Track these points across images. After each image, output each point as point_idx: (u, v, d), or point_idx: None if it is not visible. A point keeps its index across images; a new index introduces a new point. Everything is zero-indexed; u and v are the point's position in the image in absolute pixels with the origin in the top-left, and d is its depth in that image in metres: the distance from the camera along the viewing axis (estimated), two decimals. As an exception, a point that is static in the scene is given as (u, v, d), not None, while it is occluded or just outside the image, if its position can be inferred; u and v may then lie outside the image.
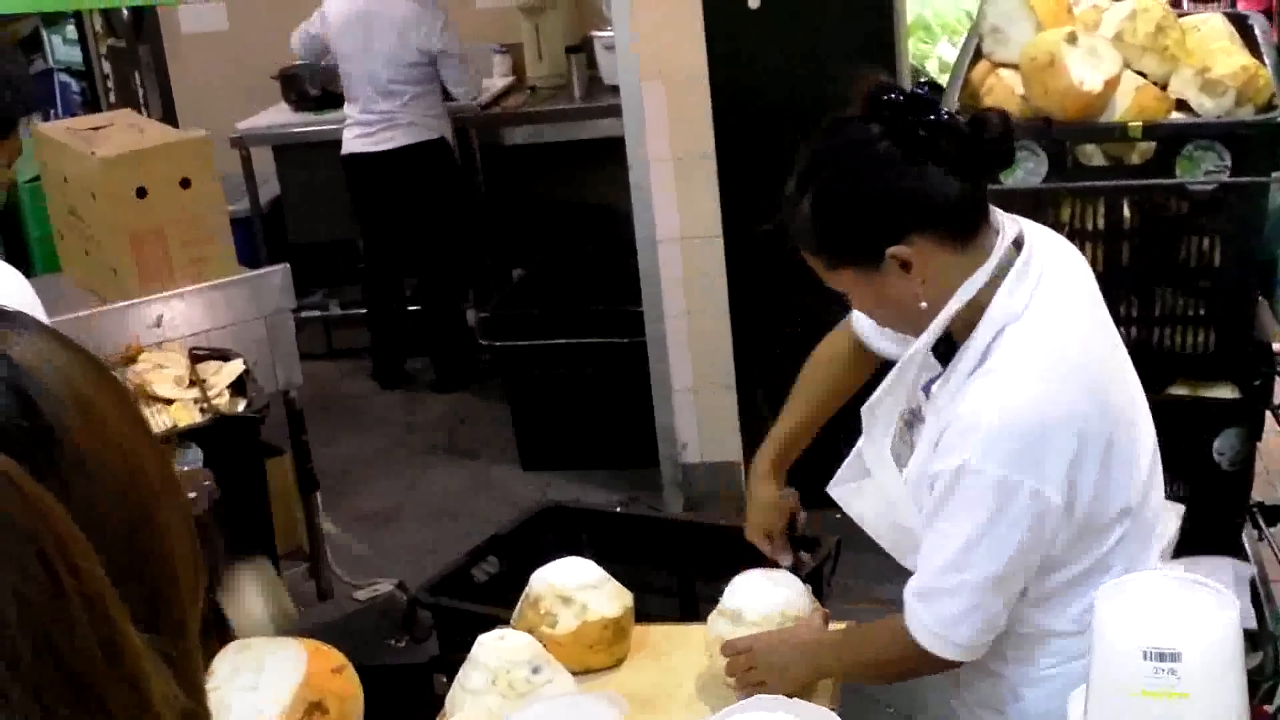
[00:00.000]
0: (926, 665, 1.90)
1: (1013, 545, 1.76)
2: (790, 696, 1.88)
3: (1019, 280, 1.78)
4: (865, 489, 2.05)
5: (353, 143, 5.53)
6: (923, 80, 4.21)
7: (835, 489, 2.11)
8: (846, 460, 2.09)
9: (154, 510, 0.69)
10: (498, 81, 6.20)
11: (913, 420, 1.94)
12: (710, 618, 2.17)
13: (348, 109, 5.56)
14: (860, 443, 2.02)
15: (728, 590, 2.18)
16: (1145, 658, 1.37)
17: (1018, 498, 1.72)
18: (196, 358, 3.41)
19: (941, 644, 1.84)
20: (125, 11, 6.24)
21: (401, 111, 5.45)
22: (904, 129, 1.74)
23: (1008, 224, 1.83)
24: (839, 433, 2.19)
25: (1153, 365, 3.13)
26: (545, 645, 2.10)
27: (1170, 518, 2.04)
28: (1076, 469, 1.74)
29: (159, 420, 3.09)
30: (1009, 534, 1.75)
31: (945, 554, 1.81)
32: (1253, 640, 2.64)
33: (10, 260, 2.24)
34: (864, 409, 1.97)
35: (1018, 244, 1.81)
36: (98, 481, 0.66)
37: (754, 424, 4.54)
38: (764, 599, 2.13)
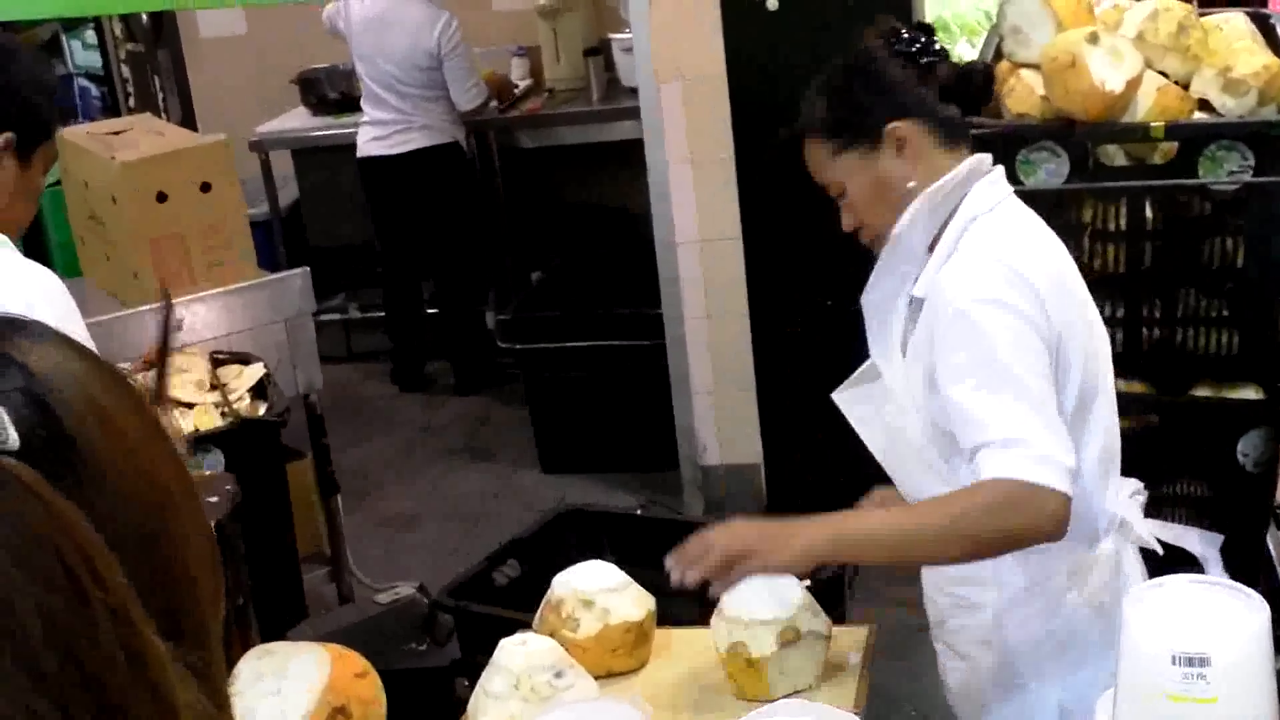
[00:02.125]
0: (1024, 519, 1.79)
1: (1038, 348, 1.86)
2: (785, 569, 1.88)
3: (991, 185, 2.02)
4: (871, 393, 2.11)
5: (367, 145, 5.54)
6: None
7: (839, 393, 2.16)
8: (854, 374, 2.16)
9: (173, 519, 0.69)
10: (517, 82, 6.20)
11: (913, 315, 2.04)
12: (712, 620, 2.16)
13: (363, 111, 5.57)
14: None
15: (726, 594, 2.17)
16: (1174, 662, 1.36)
17: (1019, 310, 1.86)
18: (217, 362, 3.42)
19: (1052, 469, 1.78)
20: (144, 16, 6.26)
21: (415, 115, 5.45)
22: (908, 54, 2.04)
23: (998, 166, 2.07)
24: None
25: (1176, 366, 3.12)
26: (567, 649, 2.10)
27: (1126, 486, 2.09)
28: (1048, 307, 1.89)
29: (180, 425, 3.09)
30: (1029, 342, 1.86)
31: (996, 397, 1.83)
32: None
33: (31, 264, 2.25)
34: (862, 298, 2.11)
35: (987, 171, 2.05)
36: (117, 491, 0.66)
37: (774, 426, 4.53)
38: (764, 603, 2.11)
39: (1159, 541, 2.08)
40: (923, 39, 2.06)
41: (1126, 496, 2.08)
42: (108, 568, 0.61)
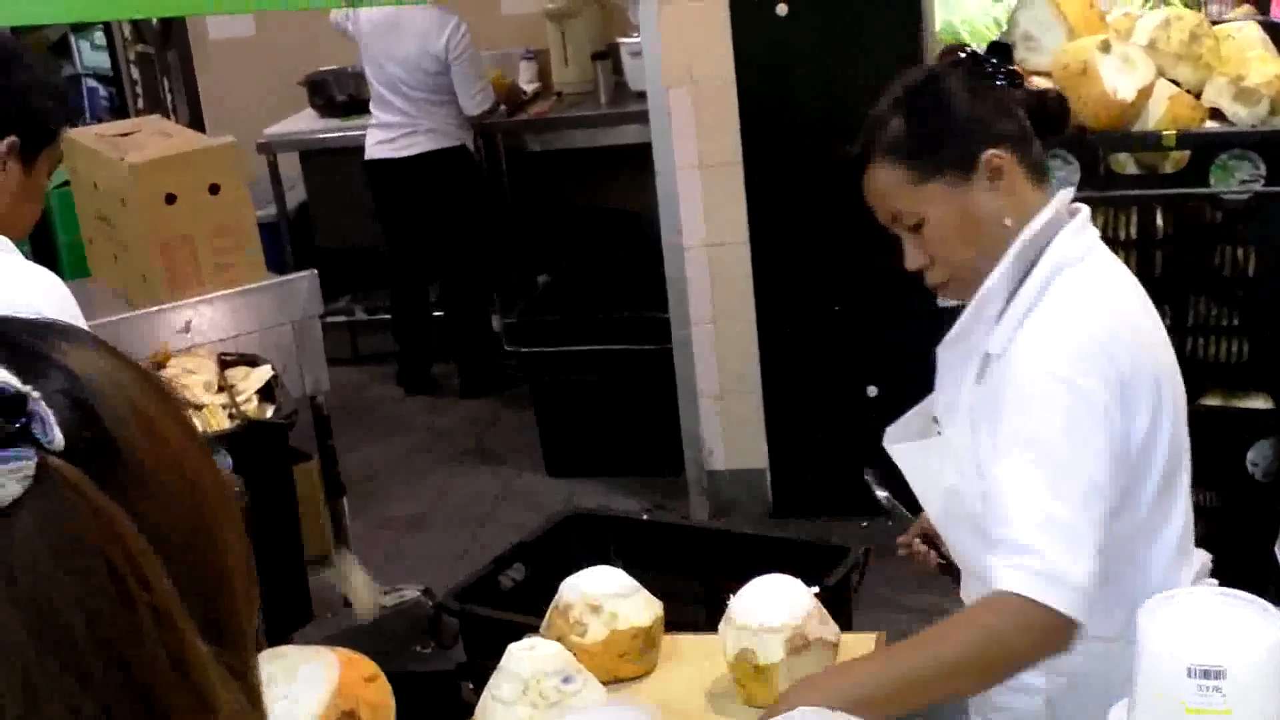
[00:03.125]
0: (1030, 641, 1.66)
1: (1097, 444, 1.70)
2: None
3: (1078, 232, 1.84)
4: (929, 448, 1.95)
5: (375, 148, 5.55)
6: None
7: (893, 445, 1.99)
8: (909, 413, 2.02)
9: (213, 523, 0.69)
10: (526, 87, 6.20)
11: (984, 369, 1.88)
12: (720, 626, 2.15)
13: (372, 114, 5.58)
14: (933, 394, 1.98)
15: (734, 599, 2.16)
16: (1189, 674, 1.35)
17: (1089, 397, 1.70)
18: (225, 363, 3.42)
19: (1058, 590, 1.63)
20: (153, 19, 6.26)
21: (422, 118, 5.45)
22: (991, 76, 1.86)
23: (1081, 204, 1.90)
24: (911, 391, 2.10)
25: (1186, 375, 3.10)
26: (575, 654, 2.09)
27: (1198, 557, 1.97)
28: (1129, 393, 1.74)
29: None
30: (1090, 432, 1.70)
31: (1032, 483, 1.69)
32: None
33: (40, 266, 2.24)
34: (939, 348, 1.94)
35: (1072, 211, 1.88)
36: (159, 495, 0.66)
37: (780, 431, 4.53)
38: (770, 607, 2.11)
39: None
40: (1001, 62, 1.88)
41: (1194, 573, 1.94)
42: (152, 570, 0.61)
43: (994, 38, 4.49)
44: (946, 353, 1.94)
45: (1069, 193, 1.88)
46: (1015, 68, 1.89)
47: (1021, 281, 1.82)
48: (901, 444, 1.99)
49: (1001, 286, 1.82)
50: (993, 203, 1.81)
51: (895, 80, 1.93)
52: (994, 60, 1.88)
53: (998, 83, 1.86)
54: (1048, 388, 1.72)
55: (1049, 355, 1.73)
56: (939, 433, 1.96)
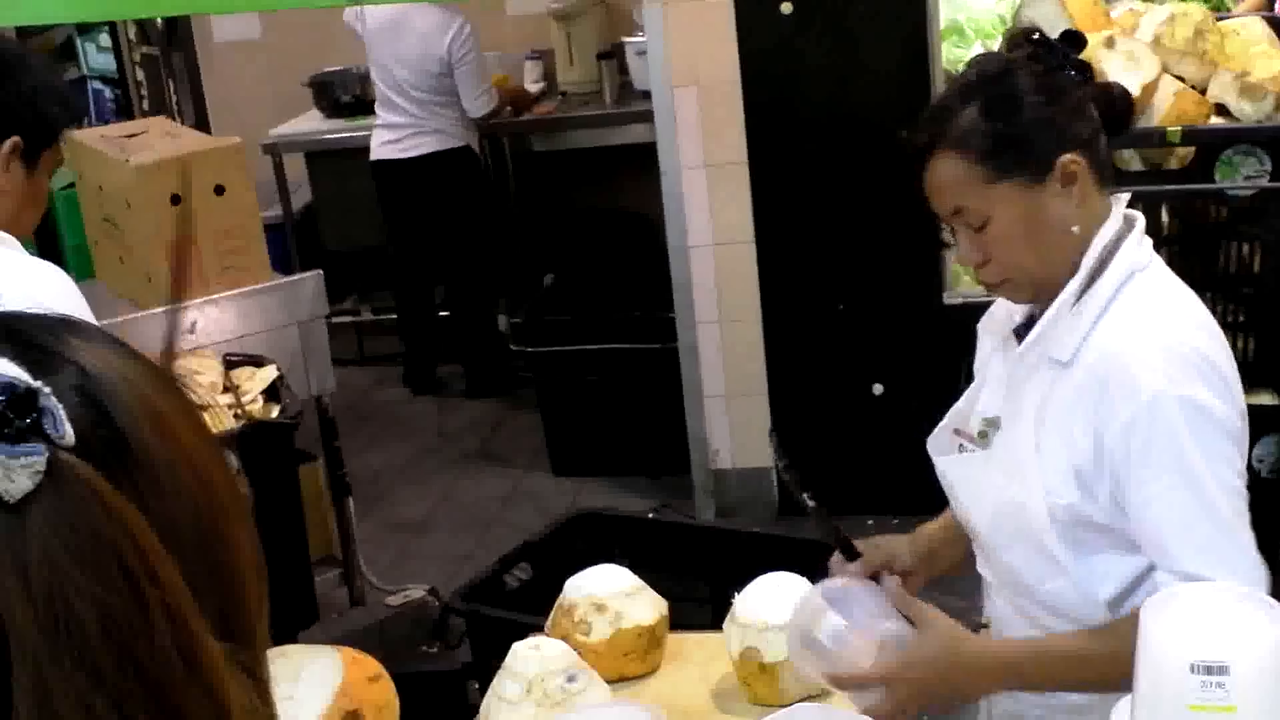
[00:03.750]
0: None
1: (1236, 456, 1.69)
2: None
3: (1140, 241, 1.79)
4: (978, 459, 1.88)
5: (380, 149, 5.55)
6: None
7: (939, 456, 1.93)
8: (944, 422, 1.96)
9: (224, 521, 0.69)
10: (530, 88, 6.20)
11: (1053, 378, 1.82)
12: (725, 625, 2.15)
13: (377, 114, 5.58)
14: (976, 399, 1.91)
15: (739, 597, 2.16)
16: (1193, 671, 1.35)
17: (1215, 413, 1.68)
18: (230, 364, 3.42)
19: None
20: (159, 19, 6.27)
21: (427, 119, 5.45)
22: (1063, 70, 1.77)
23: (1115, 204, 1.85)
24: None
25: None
26: (580, 653, 2.09)
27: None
28: (1233, 386, 1.72)
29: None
30: (1226, 447, 1.69)
31: (1188, 507, 1.67)
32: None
33: (45, 266, 2.25)
34: (1015, 355, 1.85)
35: (1129, 219, 1.83)
36: (171, 492, 0.66)
37: (786, 430, 4.52)
38: (775, 605, 2.10)
39: None
40: (1072, 54, 1.79)
41: None
42: (164, 567, 0.61)
43: (998, 36, 4.49)
44: (1013, 363, 1.86)
45: (1126, 196, 1.83)
46: (1080, 58, 1.80)
47: (1087, 287, 1.77)
48: (948, 456, 1.93)
49: (1073, 294, 1.77)
50: (1063, 209, 1.75)
51: (968, 67, 1.86)
52: (1067, 52, 1.79)
53: (1069, 76, 1.78)
54: (1174, 411, 1.67)
55: (1166, 372, 1.68)
56: (984, 445, 1.89)
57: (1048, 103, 1.75)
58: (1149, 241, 1.81)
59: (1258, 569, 1.69)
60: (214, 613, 0.65)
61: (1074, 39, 1.83)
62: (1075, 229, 1.75)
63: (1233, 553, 1.68)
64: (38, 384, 0.62)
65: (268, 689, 0.71)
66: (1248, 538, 1.70)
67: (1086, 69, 1.80)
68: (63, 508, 0.59)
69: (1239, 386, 1.75)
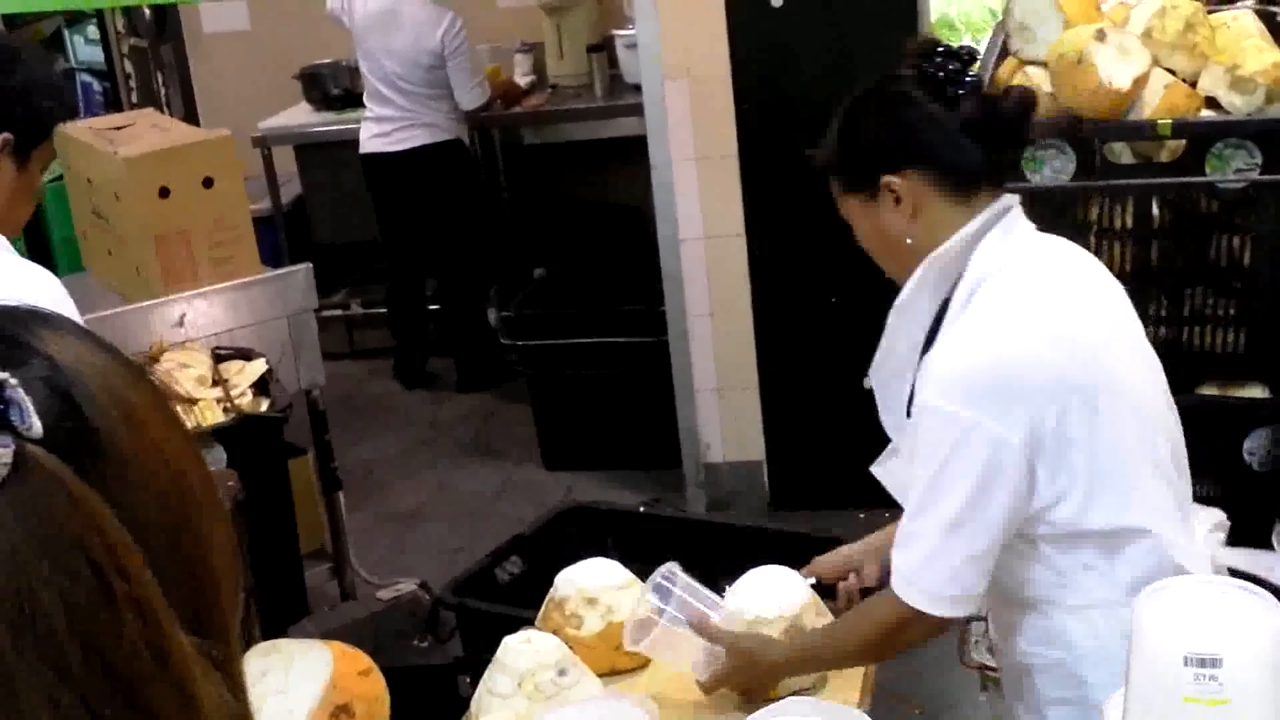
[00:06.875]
0: (908, 627, 1.86)
1: (968, 486, 1.75)
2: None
3: (1002, 237, 1.85)
4: (893, 464, 2.02)
5: (370, 142, 5.53)
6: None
7: (878, 468, 2.08)
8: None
9: (195, 513, 0.69)
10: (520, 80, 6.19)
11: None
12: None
13: (366, 107, 5.56)
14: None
15: (729, 591, 2.16)
16: (1186, 663, 1.35)
17: (973, 436, 1.74)
18: (219, 357, 3.41)
19: (907, 589, 1.83)
20: (147, 11, 6.25)
21: (418, 112, 5.43)
22: (934, 81, 1.85)
23: (1014, 205, 1.89)
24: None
25: (1182, 365, 3.11)
26: (571, 647, 2.09)
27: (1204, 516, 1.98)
28: (1043, 413, 1.73)
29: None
30: (965, 472, 1.75)
31: (916, 496, 1.82)
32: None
33: (34, 261, 2.23)
34: (869, 373, 2.00)
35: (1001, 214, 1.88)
36: (141, 485, 0.65)
37: (777, 423, 4.52)
38: (766, 598, 2.10)
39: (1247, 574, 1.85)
40: (953, 66, 1.85)
41: (1207, 531, 1.95)
42: (132, 560, 0.61)
43: (989, 28, 4.50)
44: (879, 377, 2.00)
45: (1007, 201, 1.87)
46: (967, 71, 1.86)
47: (952, 291, 1.85)
48: (883, 465, 2.06)
49: (916, 300, 1.88)
50: (897, 224, 1.87)
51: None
52: (941, 61, 1.85)
53: (944, 89, 1.84)
54: (936, 420, 1.77)
55: (947, 382, 1.77)
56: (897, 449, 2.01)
57: (878, 126, 1.88)
58: (1019, 236, 1.85)
59: (966, 582, 1.80)
60: (184, 606, 0.64)
61: (958, 54, 1.87)
62: (909, 241, 1.86)
63: (920, 554, 1.81)
64: (5, 375, 0.61)
65: (241, 683, 0.70)
66: (940, 557, 1.80)
67: (968, 83, 1.85)
68: (28, 501, 0.59)
69: (1075, 383, 1.76)
